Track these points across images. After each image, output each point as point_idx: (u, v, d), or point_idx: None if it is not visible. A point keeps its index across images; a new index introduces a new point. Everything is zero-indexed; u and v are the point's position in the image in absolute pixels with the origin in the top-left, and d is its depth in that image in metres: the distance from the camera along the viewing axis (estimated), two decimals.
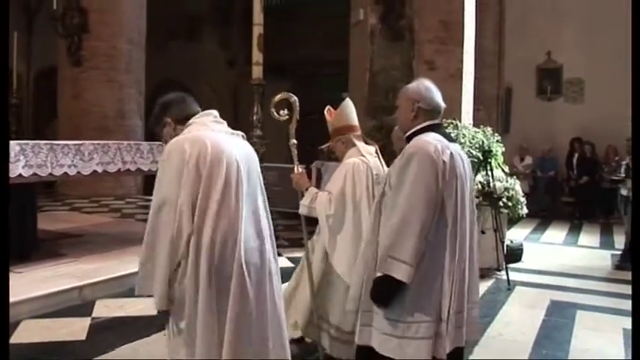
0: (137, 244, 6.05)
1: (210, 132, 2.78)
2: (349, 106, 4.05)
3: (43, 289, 4.49)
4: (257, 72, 7.04)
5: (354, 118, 4.03)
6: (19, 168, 4.78)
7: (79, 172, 5.34)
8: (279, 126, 5.53)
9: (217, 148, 2.66)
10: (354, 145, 3.93)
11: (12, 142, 4.81)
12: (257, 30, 7.05)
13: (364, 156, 3.84)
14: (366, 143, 4.02)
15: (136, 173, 6.13)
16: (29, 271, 4.98)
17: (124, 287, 4.96)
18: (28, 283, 4.65)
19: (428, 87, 2.99)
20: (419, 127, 2.92)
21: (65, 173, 5.21)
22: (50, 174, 5.07)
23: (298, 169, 3.93)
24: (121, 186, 11.83)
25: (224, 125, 2.94)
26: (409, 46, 8.34)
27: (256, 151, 6.77)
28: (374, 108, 8.68)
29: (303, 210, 3.83)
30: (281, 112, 3.92)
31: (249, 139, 6.80)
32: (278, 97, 3.90)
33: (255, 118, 7.08)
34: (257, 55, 7.03)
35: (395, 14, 8.26)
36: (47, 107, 14.59)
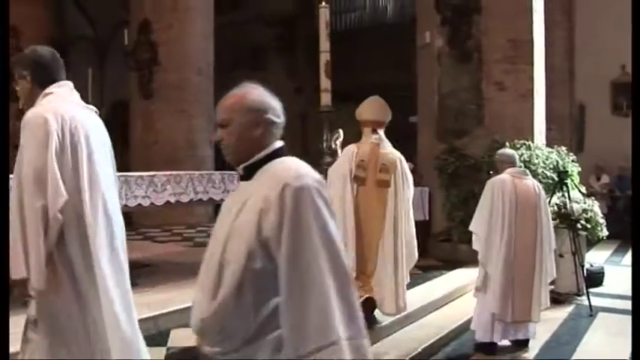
0: None
1: (68, 104, 2.92)
2: (368, 104, 5.27)
3: None
4: (325, 99, 7.03)
5: (368, 112, 5.17)
6: None
7: (152, 203, 5.43)
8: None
9: (77, 122, 2.81)
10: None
11: None
12: (324, 57, 7.06)
13: (361, 144, 5.05)
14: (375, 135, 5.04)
15: (207, 203, 6.19)
16: None
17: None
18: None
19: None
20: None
21: (139, 204, 5.30)
22: (125, 205, 5.15)
23: None
24: (192, 215, 12.00)
25: (78, 96, 3.07)
26: (477, 67, 8.19)
27: (325, 179, 6.80)
28: (443, 131, 8.54)
29: None
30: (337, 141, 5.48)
31: (319, 166, 6.85)
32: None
33: (324, 145, 7.04)
34: (325, 82, 7.03)
35: (462, 35, 8.14)
36: (120, 139, 15.01)
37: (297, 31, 18.46)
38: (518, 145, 7.70)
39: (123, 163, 13.50)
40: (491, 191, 4.93)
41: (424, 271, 7.12)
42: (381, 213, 4.85)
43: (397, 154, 5.09)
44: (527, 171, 5.34)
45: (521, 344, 5.08)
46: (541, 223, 4.98)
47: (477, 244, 4.98)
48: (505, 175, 5.00)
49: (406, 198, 4.99)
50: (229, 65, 19.09)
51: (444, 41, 8.39)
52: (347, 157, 4.99)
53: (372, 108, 5.23)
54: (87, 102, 9.44)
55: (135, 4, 12.50)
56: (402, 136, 10.07)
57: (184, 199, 5.74)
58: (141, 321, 4.56)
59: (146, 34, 11.89)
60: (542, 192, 5.15)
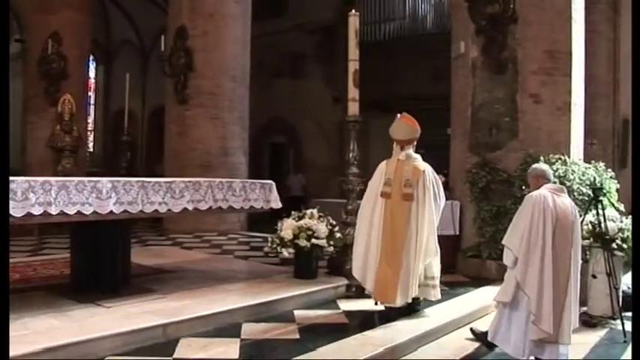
0: (230, 281, 6.11)
1: None
2: (397, 124, 5.83)
3: (127, 326, 4.45)
4: (353, 108, 6.89)
5: (397, 132, 5.79)
6: (110, 205, 4.84)
7: (169, 210, 5.35)
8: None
9: None
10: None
11: (104, 180, 4.90)
12: (352, 66, 6.93)
13: (389, 161, 5.74)
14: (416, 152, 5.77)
15: (227, 211, 6.09)
16: (117, 306, 5.00)
17: (208, 327, 4.89)
18: (114, 319, 4.64)
19: None
20: None
21: (156, 210, 5.23)
22: (141, 211, 5.10)
23: None
24: (224, 222, 11.97)
25: None
26: (512, 78, 7.93)
27: (351, 189, 6.66)
28: (476, 144, 8.29)
29: None
30: None
31: (344, 176, 6.72)
32: None
33: (351, 155, 6.89)
34: (353, 92, 6.90)
35: (497, 45, 7.88)
36: (158, 145, 15.16)
37: (337, 39, 18.35)
38: (553, 160, 7.42)
39: (160, 169, 13.70)
40: (531, 207, 4.77)
41: (450, 287, 6.89)
42: (404, 223, 5.45)
43: (422, 166, 5.63)
44: (564, 188, 5.19)
45: None
46: (575, 243, 4.85)
47: (508, 260, 4.86)
48: (545, 191, 4.85)
49: (429, 208, 5.52)
50: (269, 73, 19.21)
51: (479, 51, 8.15)
52: (378, 174, 5.74)
53: (398, 128, 5.82)
54: (124, 106, 9.52)
55: (173, 10, 12.60)
56: (437, 148, 9.81)
57: (203, 206, 5.66)
58: (150, 329, 4.53)
59: (182, 40, 11.95)
60: (577, 211, 5.00)
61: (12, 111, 16.48)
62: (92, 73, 23.92)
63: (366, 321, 5.44)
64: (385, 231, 5.50)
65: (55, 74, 13.70)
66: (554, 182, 5.34)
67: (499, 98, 8.04)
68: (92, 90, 24.09)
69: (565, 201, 4.90)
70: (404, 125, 5.80)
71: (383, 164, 5.77)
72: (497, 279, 6.62)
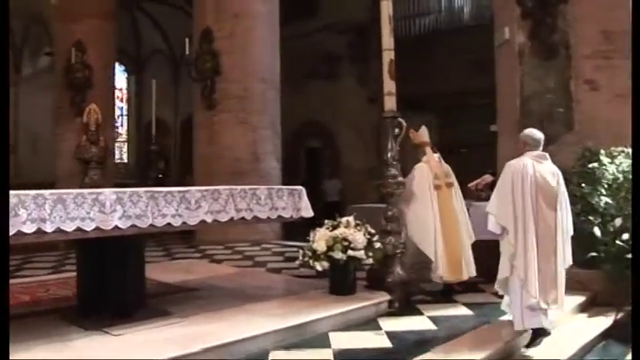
0: (258, 299, 5.43)
1: None
2: (425, 130, 6.78)
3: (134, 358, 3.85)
4: (390, 103, 6.19)
5: (426, 136, 6.75)
6: (114, 219, 4.26)
7: (184, 223, 4.74)
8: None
9: None
10: (424, 153, 6.65)
11: (107, 191, 4.32)
12: (387, 56, 6.27)
13: (429, 161, 6.59)
14: (434, 152, 6.70)
15: (251, 222, 5.44)
16: (126, 333, 4.38)
17: (228, 356, 4.23)
18: (119, 349, 4.03)
19: None
20: None
21: (169, 224, 4.63)
22: (151, 225, 4.50)
23: None
24: (257, 231, 11.35)
25: None
26: (565, 64, 7.16)
27: (391, 193, 5.97)
28: None
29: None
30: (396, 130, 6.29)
31: (382, 179, 6.03)
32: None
33: (389, 155, 6.18)
34: (389, 85, 6.21)
35: (546, 28, 7.11)
36: (190, 154, 14.69)
37: (371, 39, 17.72)
38: (615, 153, 6.66)
39: (192, 177, 13.24)
40: (511, 175, 4.91)
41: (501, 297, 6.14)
42: (455, 207, 6.46)
43: None
44: (547, 155, 5.15)
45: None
46: (561, 208, 4.94)
47: (493, 227, 4.99)
48: (526, 159, 4.96)
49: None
50: (302, 75, 18.67)
51: (526, 36, 7.39)
52: (424, 173, 6.48)
53: (424, 133, 6.78)
54: (151, 113, 9.06)
55: (198, 12, 12.10)
56: (478, 145, 9.06)
57: (223, 217, 5.03)
58: None
59: (208, 43, 11.43)
60: (560, 177, 5.05)
61: (44, 124, 16.28)
62: (124, 84, 23.77)
63: (411, 343, 4.75)
64: (443, 217, 6.29)
65: (80, 84, 13.36)
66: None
67: (550, 87, 7.30)
68: (124, 100, 23.92)
69: (546, 167, 4.98)
70: (426, 130, 6.81)
71: (424, 165, 6.57)
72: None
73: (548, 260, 4.78)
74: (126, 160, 23.75)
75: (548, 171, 4.96)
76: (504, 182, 4.95)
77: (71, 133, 13.30)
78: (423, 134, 6.73)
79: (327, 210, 7.73)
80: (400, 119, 6.32)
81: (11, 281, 6.84)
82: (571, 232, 5.06)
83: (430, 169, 6.47)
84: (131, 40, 22.65)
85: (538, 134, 5.21)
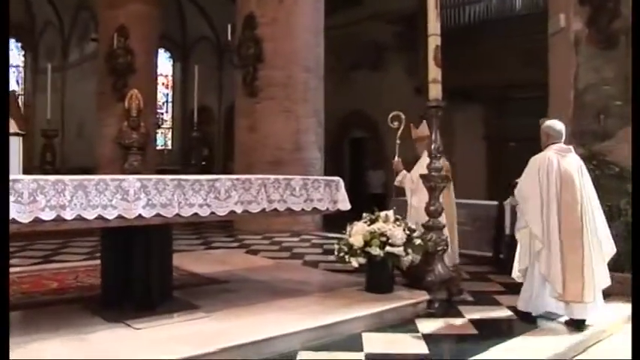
0: (290, 295, 5.15)
1: None
2: (425, 124, 6.43)
3: (148, 357, 3.62)
4: (435, 91, 5.83)
5: (427, 130, 6.28)
6: (138, 207, 4.04)
7: (212, 213, 4.51)
8: (469, 157, 5.21)
9: None
10: (424, 148, 6.30)
11: (131, 178, 4.11)
12: (433, 42, 5.91)
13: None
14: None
15: (284, 214, 5.18)
16: (147, 327, 4.16)
17: (260, 356, 3.98)
18: (136, 346, 3.79)
19: None
20: None
21: (196, 214, 4.40)
22: (177, 215, 4.28)
23: (397, 158, 6.70)
24: (297, 222, 11.14)
25: None
26: (625, 53, 6.66)
27: (434, 187, 5.64)
28: (580, 133, 7.07)
29: (396, 182, 6.67)
30: (395, 122, 6.55)
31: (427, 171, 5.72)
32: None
33: (433, 146, 5.83)
34: (434, 71, 5.85)
35: (606, 14, 6.63)
36: (233, 140, 14.58)
37: (418, 28, 17.27)
38: None
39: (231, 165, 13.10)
40: (537, 170, 4.97)
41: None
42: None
43: None
44: (571, 148, 5.22)
45: (579, 323, 4.90)
46: (586, 202, 4.95)
47: (519, 223, 5.14)
48: (550, 153, 5.04)
49: None
50: (347, 66, 18.34)
51: (583, 23, 6.91)
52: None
53: (427, 127, 6.41)
54: (194, 101, 8.94)
55: None
56: (530, 140, 8.68)
57: (254, 208, 4.78)
58: None
59: (251, 29, 11.22)
60: (584, 169, 5.10)
61: (89, 110, 16.34)
62: (169, 70, 23.81)
63: (449, 350, 4.44)
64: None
65: (122, 69, 13.32)
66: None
67: (609, 78, 6.80)
68: (169, 87, 23.97)
69: (571, 161, 5.02)
70: (426, 124, 6.47)
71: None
72: (617, 292, 5.50)
73: (576, 253, 4.79)
74: (170, 147, 23.79)
75: (573, 165, 5.00)
76: (531, 177, 5.01)
77: (113, 118, 13.29)
78: (423, 128, 6.52)
79: (371, 202, 7.50)
80: (400, 113, 6.62)
81: (43, 267, 6.85)
82: (603, 225, 5.09)
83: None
84: (177, 27, 22.65)
85: (559, 125, 5.26)
